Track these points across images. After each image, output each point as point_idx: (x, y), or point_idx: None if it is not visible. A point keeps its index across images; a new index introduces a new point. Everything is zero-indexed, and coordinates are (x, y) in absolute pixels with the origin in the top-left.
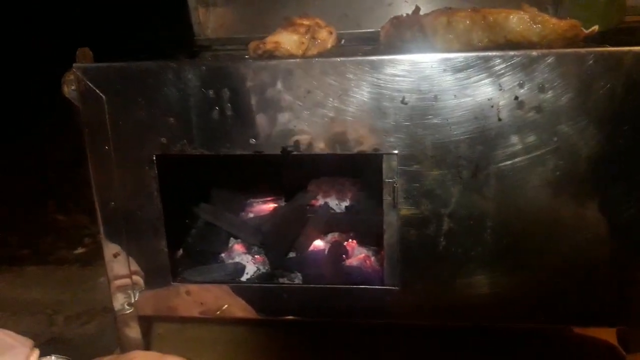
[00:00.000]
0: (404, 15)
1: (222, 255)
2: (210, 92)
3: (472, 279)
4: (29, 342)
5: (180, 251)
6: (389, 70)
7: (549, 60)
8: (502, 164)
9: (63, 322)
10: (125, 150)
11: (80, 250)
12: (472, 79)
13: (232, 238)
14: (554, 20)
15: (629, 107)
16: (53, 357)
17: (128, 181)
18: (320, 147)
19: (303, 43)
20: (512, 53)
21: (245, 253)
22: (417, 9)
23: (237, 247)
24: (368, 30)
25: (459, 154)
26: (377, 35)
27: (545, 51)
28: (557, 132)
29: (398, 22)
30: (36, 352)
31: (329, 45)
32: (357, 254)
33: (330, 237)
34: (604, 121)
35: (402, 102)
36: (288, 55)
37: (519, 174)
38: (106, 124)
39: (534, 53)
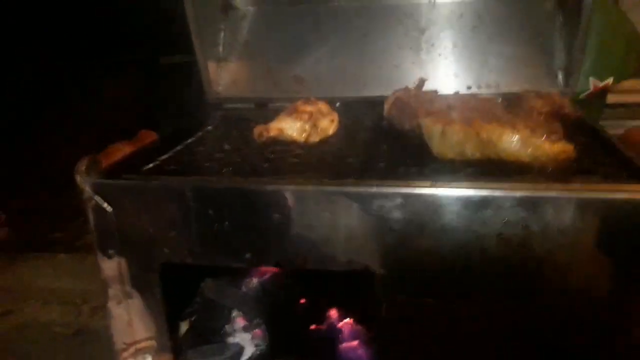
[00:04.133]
0: (407, 95)
1: (226, 326)
2: (210, 210)
3: None
4: None
5: (185, 326)
6: (378, 202)
7: None
8: None
9: (89, 313)
10: (132, 257)
11: None
12: None
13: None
14: (546, 144)
15: None
16: None
17: (135, 286)
18: (311, 264)
19: (305, 130)
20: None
21: (246, 330)
22: (422, 82)
23: (239, 320)
24: (374, 94)
25: None
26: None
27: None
28: None
29: (401, 105)
30: None
31: (330, 132)
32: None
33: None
34: None
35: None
36: (290, 141)
37: None
38: (114, 233)
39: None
